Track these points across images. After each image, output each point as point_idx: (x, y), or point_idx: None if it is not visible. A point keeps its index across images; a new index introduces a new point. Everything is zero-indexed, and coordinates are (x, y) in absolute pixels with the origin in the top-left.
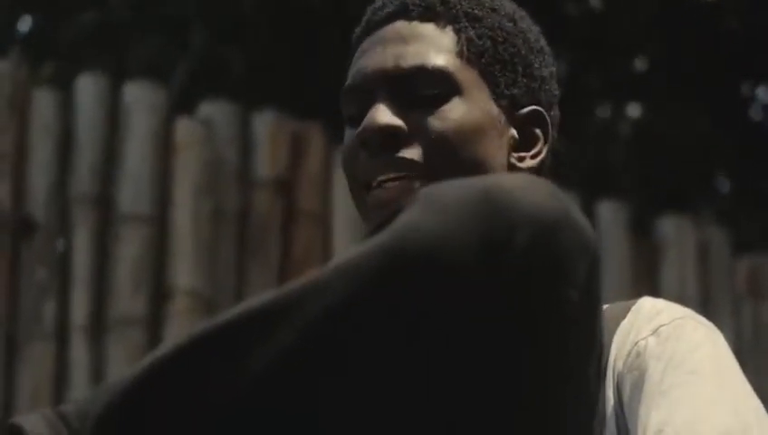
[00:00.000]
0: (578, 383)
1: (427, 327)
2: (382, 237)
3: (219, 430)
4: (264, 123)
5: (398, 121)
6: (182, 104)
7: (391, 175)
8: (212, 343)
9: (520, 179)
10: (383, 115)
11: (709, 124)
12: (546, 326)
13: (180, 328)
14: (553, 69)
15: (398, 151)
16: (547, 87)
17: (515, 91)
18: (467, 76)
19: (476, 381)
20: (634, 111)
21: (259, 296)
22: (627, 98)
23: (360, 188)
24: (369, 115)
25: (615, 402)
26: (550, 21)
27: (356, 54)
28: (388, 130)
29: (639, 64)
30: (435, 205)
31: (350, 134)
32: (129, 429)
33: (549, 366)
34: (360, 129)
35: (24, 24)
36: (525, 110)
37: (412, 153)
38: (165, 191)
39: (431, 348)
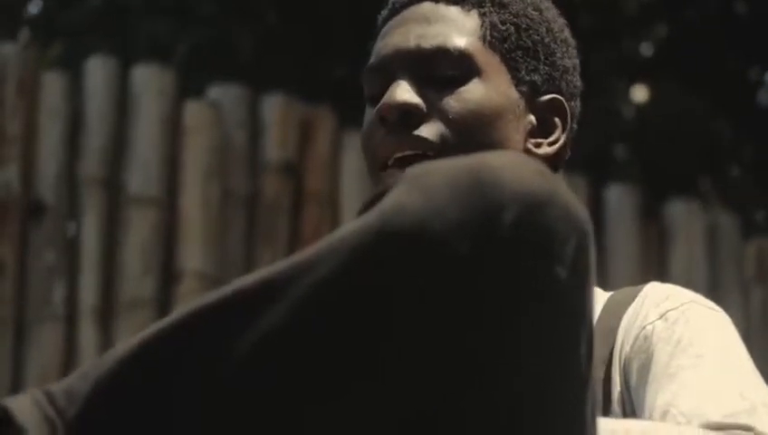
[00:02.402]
0: (567, 362)
1: (413, 306)
2: (369, 217)
3: (206, 406)
4: (273, 106)
5: (416, 99)
6: (191, 87)
7: (408, 152)
8: (201, 320)
9: (506, 157)
10: (402, 93)
11: (717, 108)
12: (533, 304)
13: None
14: (577, 62)
15: (415, 129)
16: (569, 78)
17: (536, 77)
18: (488, 60)
19: (463, 359)
20: (640, 94)
21: (250, 275)
22: (633, 81)
23: (376, 167)
24: (388, 93)
25: (622, 386)
26: (555, 4)
27: (380, 34)
28: (407, 108)
29: (646, 48)
30: (421, 184)
31: (369, 113)
32: (116, 406)
33: (537, 344)
34: (378, 106)
35: (33, 6)
36: (545, 97)
37: (429, 132)
38: (174, 174)
39: (417, 327)
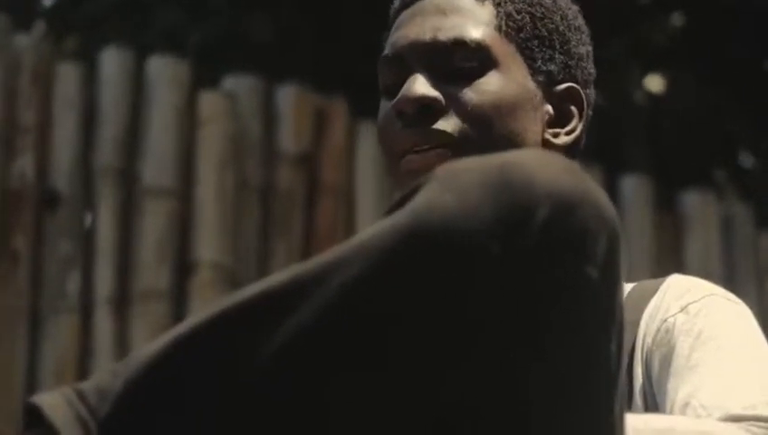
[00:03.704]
0: (598, 361)
1: (445, 306)
2: (400, 216)
3: (238, 406)
4: (288, 97)
5: (434, 93)
6: (206, 78)
7: (425, 146)
8: (232, 320)
9: (538, 156)
10: (420, 86)
11: (732, 98)
12: (564, 304)
13: (204, 301)
14: (590, 48)
15: (433, 123)
16: (584, 65)
17: (552, 67)
18: (505, 50)
19: (493, 359)
20: (655, 84)
21: (279, 273)
22: (648, 71)
23: (394, 159)
24: (405, 86)
25: (644, 379)
26: None
27: (394, 25)
28: (425, 102)
29: (661, 37)
30: (452, 183)
31: (385, 105)
32: (148, 405)
33: (568, 344)
34: (396, 99)
35: None
36: (561, 86)
37: (447, 125)
38: (189, 165)
39: (448, 327)
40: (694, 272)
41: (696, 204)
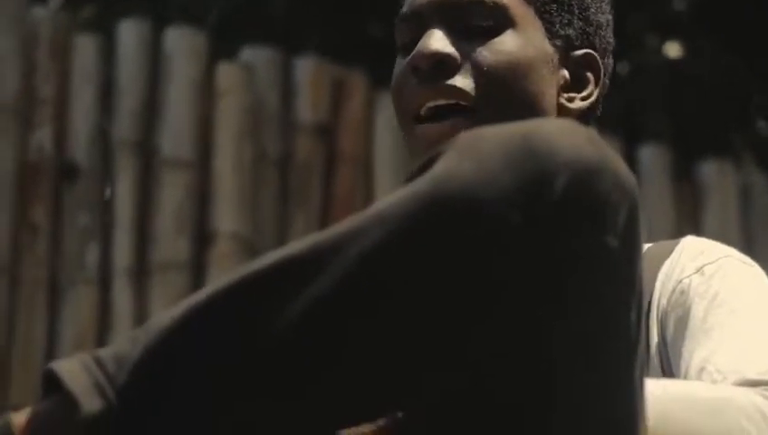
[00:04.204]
0: (618, 328)
1: (465, 271)
2: (420, 184)
3: (256, 373)
4: (306, 68)
5: (450, 49)
6: (223, 49)
7: (440, 102)
8: (251, 288)
9: (558, 125)
10: (436, 42)
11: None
12: (584, 272)
13: (223, 272)
14: (610, 17)
15: (447, 79)
16: (603, 33)
17: (570, 31)
18: (523, 12)
19: (516, 318)
20: (674, 52)
21: (298, 242)
22: (666, 39)
23: (408, 118)
24: (421, 42)
25: (659, 340)
26: None
27: None
28: (440, 57)
29: (680, 4)
30: (472, 151)
31: (401, 63)
32: (165, 372)
33: (588, 310)
34: (411, 55)
35: None
36: (579, 52)
37: (462, 82)
38: (207, 136)
39: (467, 295)
40: (712, 240)
41: (714, 173)
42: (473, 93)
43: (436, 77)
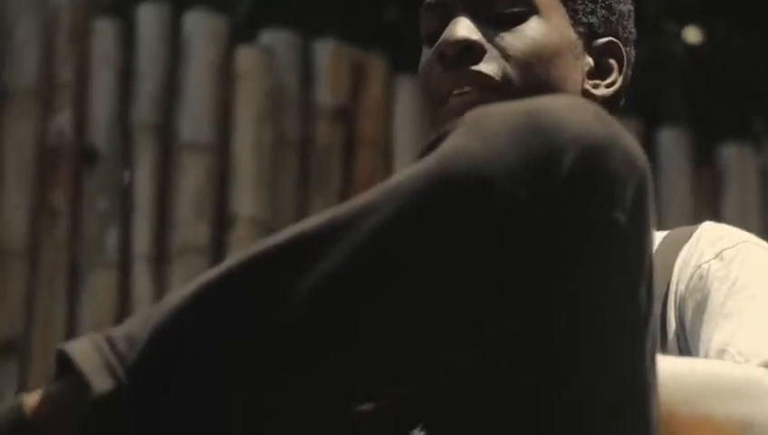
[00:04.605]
0: (627, 304)
1: (473, 251)
2: (428, 162)
3: (268, 350)
4: (325, 51)
5: (476, 36)
6: (243, 33)
7: (466, 88)
8: (263, 264)
9: (566, 101)
10: (462, 29)
11: None
12: (592, 249)
13: None
14: (632, 8)
15: (473, 65)
16: (625, 23)
17: (593, 19)
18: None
19: (523, 304)
20: (692, 35)
21: (309, 219)
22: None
23: (435, 104)
24: (447, 29)
25: (677, 325)
26: None
27: None
28: (467, 44)
29: None
30: (480, 128)
31: (427, 52)
32: (176, 351)
33: (597, 286)
34: (437, 43)
35: None
36: (602, 40)
37: (489, 68)
38: (226, 120)
39: (477, 271)
40: (732, 224)
41: (734, 157)
42: (499, 79)
43: (462, 64)
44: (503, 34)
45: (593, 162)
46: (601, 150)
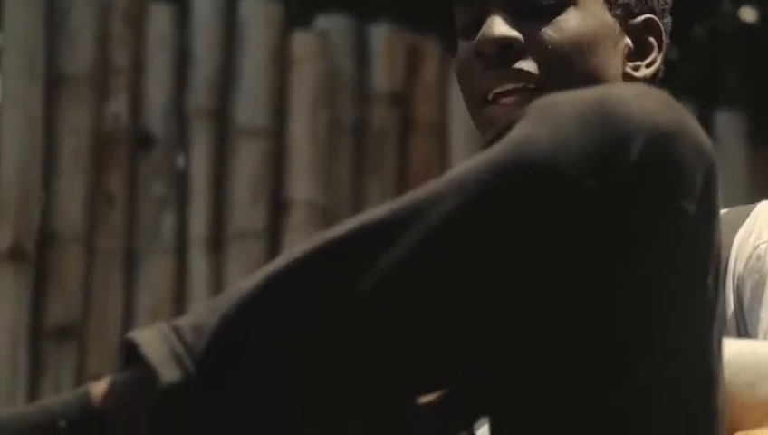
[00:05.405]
0: (696, 296)
1: (542, 239)
2: (496, 150)
3: (334, 340)
4: (381, 36)
5: (513, 33)
6: (298, 17)
7: (508, 86)
8: (329, 255)
9: (633, 89)
10: (499, 27)
11: None
12: (662, 237)
13: (299, 240)
14: None
15: (513, 63)
16: None
17: (629, 0)
18: None
19: (591, 292)
20: (749, 15)
21: (375, 209)
22: (740, 4)
23: (475, 101)
24: (484, 27)
25: (735, 306)
26: None
27: None
28: (505, 42)
29: None
30: (548, 117)
31: (463, 46)
32: (244, 340)
33: (666, 276)
34: (475, 40)
35: None
36: (639, 18)
37: (528, 65)
38: (281, 104)
39: (546, 259)
40: None
41: None
42: (539, 75)
43: (501, 62)
44: (540, 28)
45: (661, 150)
46: (669, 138)
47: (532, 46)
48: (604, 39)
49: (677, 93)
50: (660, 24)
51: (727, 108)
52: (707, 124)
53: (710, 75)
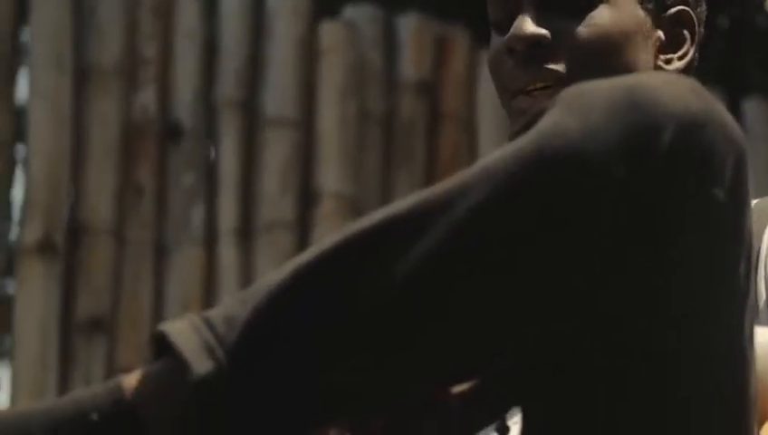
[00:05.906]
0: (727, 284)
1: (572, 228)
2: (524, 140)
3: (364, 331)
4: (409, 26)
5: (542, 31)
6: (326, 7)
7: (539, 85)
8: (356, 247)
9: (663, 78)
10: (530, 25)
11: None
12: (693, 226)
13: (327, 231)
14: None
15: (545, 62)
16: None
17: None
18: None
19: (622, 282)
20: None
21: (403, 200)
22: None
23: (506, 96)
24: (515, 24)
25: (767, 295)
26: None
27: None
28: (536, 39)
29: None
30: (576, 105)
31: (495, 39)
32: (275, 332)
33: (698, 265)
34: (507, 37)
35: None
36: (671, 10)
37: (559, 63)
38: (310, 95)
39: (573, 249)
40: None
41: None
42: (569, 73)
43: (532, 60)
44: (571, 24)
45: (692, 138)
46: (699, 126)
47: (562, 43)
48: (635, 34)
49: (705, 81)
50: (693, 15)
51: (754, 95)
52: (735, 112)
53: (737, 63)
